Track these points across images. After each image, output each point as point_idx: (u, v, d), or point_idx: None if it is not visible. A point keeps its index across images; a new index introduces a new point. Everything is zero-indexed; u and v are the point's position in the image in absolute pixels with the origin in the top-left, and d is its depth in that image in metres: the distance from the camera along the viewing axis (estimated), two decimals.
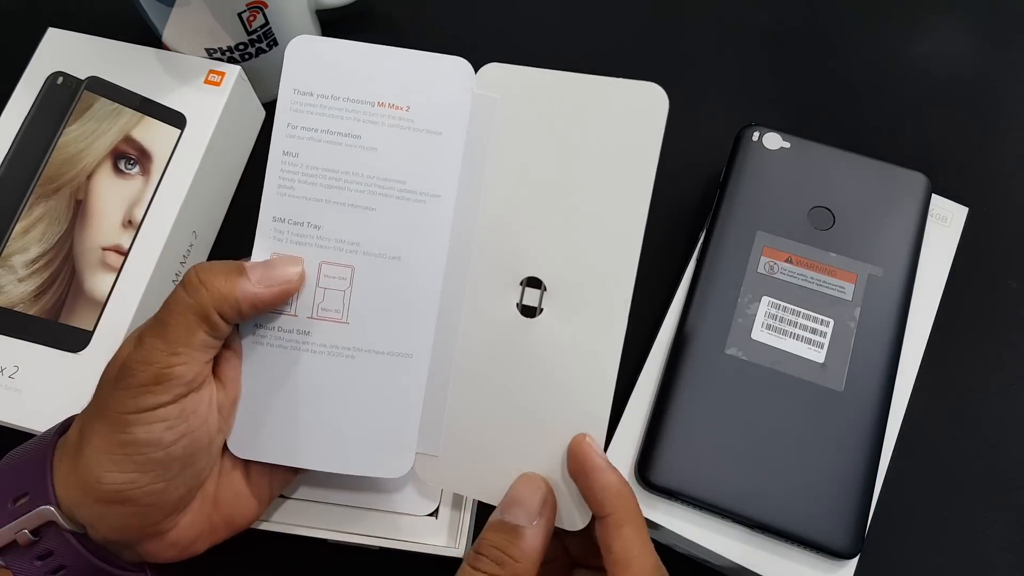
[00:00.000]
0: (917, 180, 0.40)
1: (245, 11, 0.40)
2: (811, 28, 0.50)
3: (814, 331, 0.37)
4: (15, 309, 0.37)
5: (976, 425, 0.41)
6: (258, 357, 0.31)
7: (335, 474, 0.35)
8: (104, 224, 0.38)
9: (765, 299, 0.38)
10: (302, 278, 0.31)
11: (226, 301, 0.28)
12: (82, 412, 0.30)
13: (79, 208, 0.39)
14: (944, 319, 0.39)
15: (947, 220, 0.41)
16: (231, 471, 0.32)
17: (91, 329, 0.37)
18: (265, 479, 0.32)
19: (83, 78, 0.40)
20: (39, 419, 0.35)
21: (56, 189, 0.39)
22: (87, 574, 0.29)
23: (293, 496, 0.35)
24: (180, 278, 0.40)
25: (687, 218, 0.45)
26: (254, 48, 0.43)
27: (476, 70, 0.32)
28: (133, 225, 0.38)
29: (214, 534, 0.31)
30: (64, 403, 0.35)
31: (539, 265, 0.31)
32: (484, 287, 0.32)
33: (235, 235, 0.44)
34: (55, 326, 0.37)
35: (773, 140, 0.41)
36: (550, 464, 0.31)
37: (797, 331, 0.37)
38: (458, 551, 0.34)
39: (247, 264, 0.30)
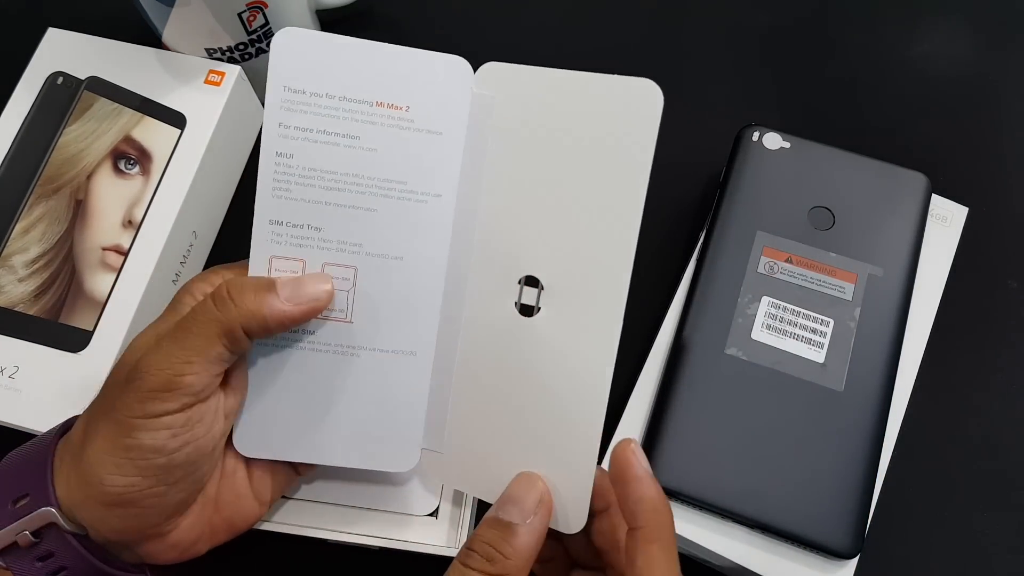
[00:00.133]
0: (917, 180, 0.40)
1: (245, 11, 0.40)
2: (811, 28, 0.50)
3: (814, 331, 0.37)
4: (15, 309, 0.37)
5: (976, 425, 0.41)
6: (264, 357, 0.31)
7: (336, 474, 0.35)
8: (104, 224, 0.38)
9: (765, 299, 0.38)
10: (331, 295, 0.30)
11: (253, 318, 0.28)
12: (87, 410, 0.30)
13: (79, 208, 0.39)
14: (944, 319, 0.39)
15: (947, 220, 0.41)
16: (233, 473, 0.32)
17: (91, 329, 0.37)
18: (267, 481, 0.32)
19: (83, 78, 0.40)
20: (39, 419, 0.35)
21: (56, 189, 0.39)
22: (88, 575, 0.29)
23: (293, 496, 0.35)
24: (180, 278, 0.41)
25: (687, 218, 0.45)
26: (254, 48, 0.43)
27: (474, 69, 0.32)
28: (133, 225, 0.38)
29: (215, 536, 0.31)
30: (64, 403, 0.35)
31: (537, 264, 0.31)
32: (483, 286, 0.32)
33: (235, 235, 0.44)
34: (55, 326, 0.37)
35: (773, 140, 0.41)
36: (548, 464, 0.30)
37: (797, 331, 0.37)
38: (458, 551, 0.34)
39: (278, 280, 0.30)
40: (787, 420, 0.36)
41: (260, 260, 0.31)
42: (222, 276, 0.31)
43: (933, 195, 0.40)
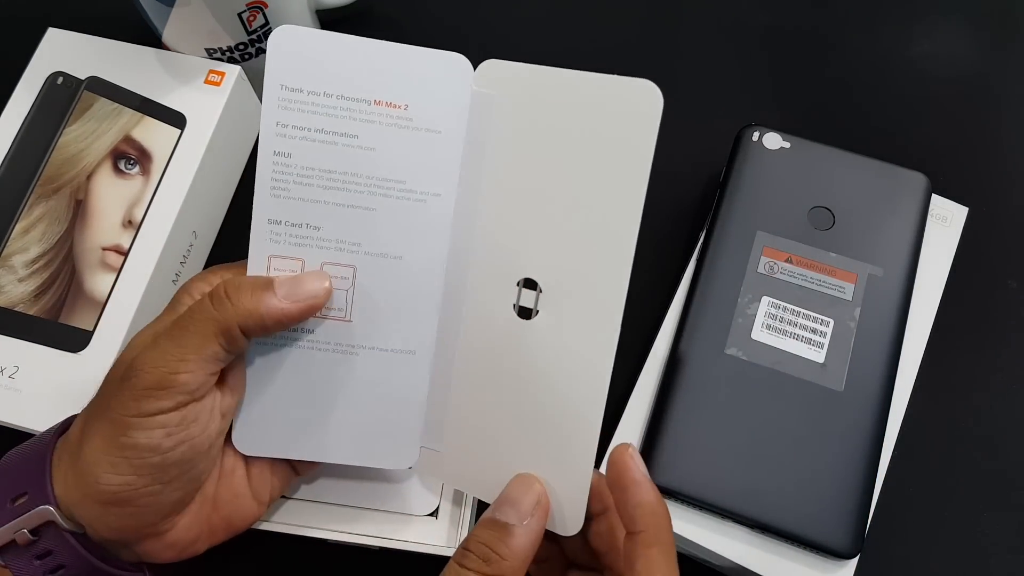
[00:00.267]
0: (917, 180, 0.40)
1: (245, 11, 0.40)
2: (811, 28, 0.50)
3: (814, 331, 0.37)
4: (15, 309, 0.37)
5: (976, 425, 0.41)
6: (263, 356, 0.31)
7: (335, 473, 0.35)
8: (104, 224, 0.38)
9: (765, 299, 0.38)
10: (328, 293, 0.30)
11: (251, 317, 0.28)
12: (85, 409, 0.30)
13: (79, 208, 0.39)
14: (944, 319, 0.39)
15: (947, 220, 0.41)
16: (232, 472, 0.32)
17: (91, 329, 0.37)
18: (265, 480, 0.32)
19: (83, 78, 0.40)
20: (39, 419, 0.35)
21: (56, 189, 0.39)
22: (86, 574, 0.29)
23: (293, 496, 0.35)
24: (180, 278, 0.41)
25: (687, 218, 0.45)
26: (254, 48, 0.43)
27: (474, 67, 0.32)
28: (133, 225, 0.39)
29: (213, 535, 0.31)
30: (64, 403, 0.35)
31: (535, 266, 0.31)
32: (482, 287, 0.32)
33: (235, 235, 0.44)
34: (55, 326, 0.37)
35: (773, 140, 0.41)
36: (546, 466, 0.30)
37: (797, 331, 0.37)
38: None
39: (276, 279, 0.30)
40: (787, 420, 0.36)
41: (259, 259, 0.31)
42: (221, 276, 0.31)
43: (933, 195, 0.40)
